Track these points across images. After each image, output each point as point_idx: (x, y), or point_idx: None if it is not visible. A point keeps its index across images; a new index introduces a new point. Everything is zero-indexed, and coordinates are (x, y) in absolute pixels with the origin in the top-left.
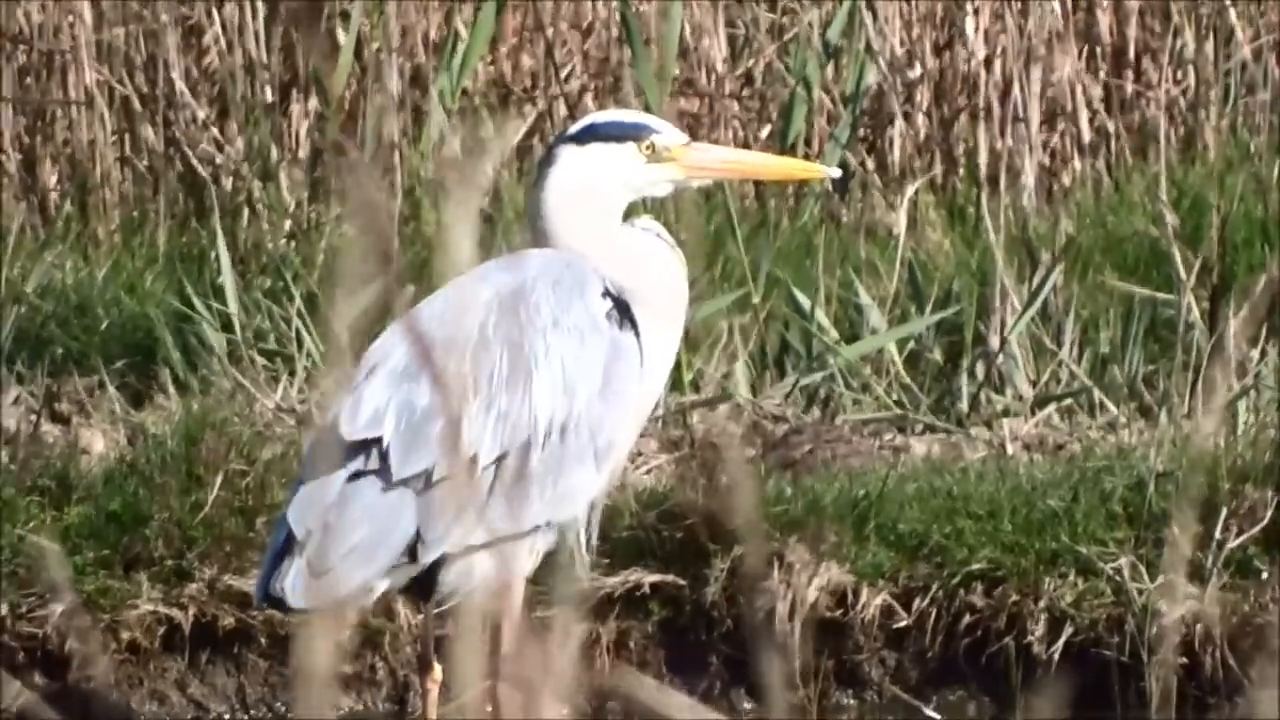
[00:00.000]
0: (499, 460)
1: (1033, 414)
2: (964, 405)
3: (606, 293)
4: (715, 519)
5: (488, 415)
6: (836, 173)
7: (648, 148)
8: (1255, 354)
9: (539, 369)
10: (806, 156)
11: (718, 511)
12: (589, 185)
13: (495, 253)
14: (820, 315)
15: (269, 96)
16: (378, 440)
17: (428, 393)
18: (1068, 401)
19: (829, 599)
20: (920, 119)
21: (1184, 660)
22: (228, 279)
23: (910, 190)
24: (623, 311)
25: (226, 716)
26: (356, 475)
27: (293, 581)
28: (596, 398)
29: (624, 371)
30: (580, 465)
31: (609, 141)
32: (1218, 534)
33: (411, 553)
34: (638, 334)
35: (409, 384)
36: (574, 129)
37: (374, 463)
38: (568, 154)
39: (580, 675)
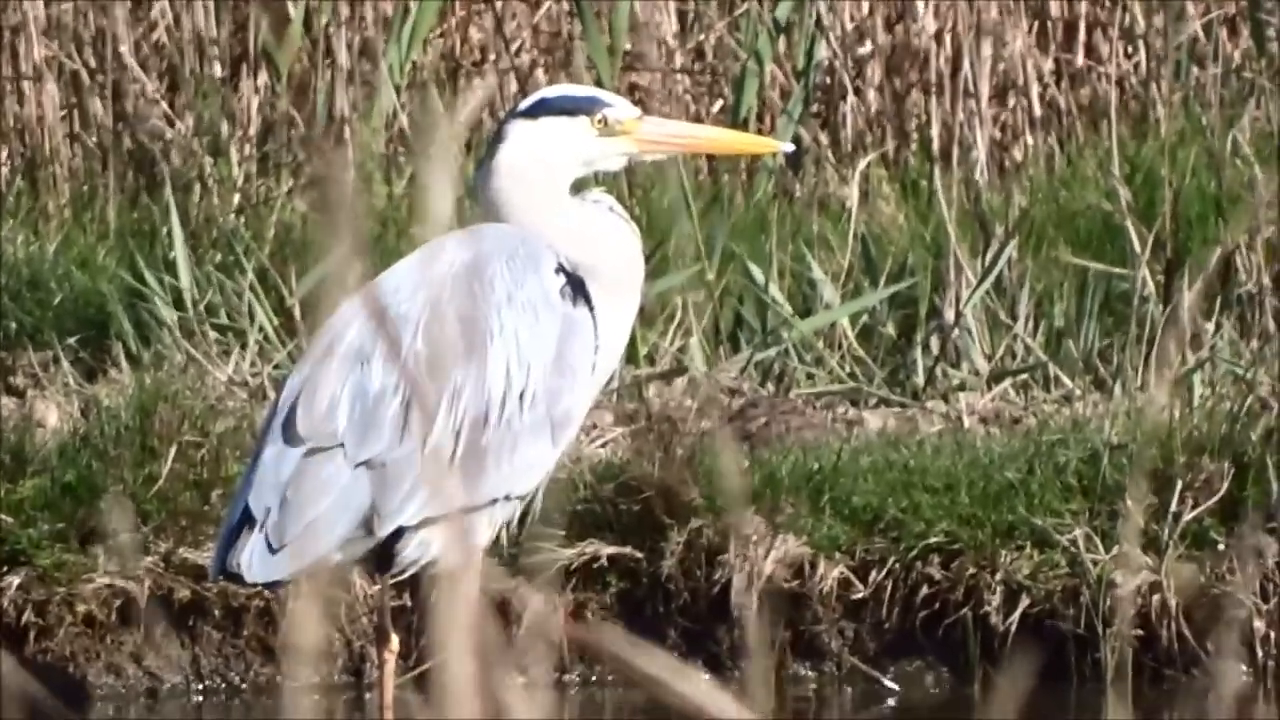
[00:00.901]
0: (456, 434)
1: (988, 388)
2: (919, 379)
3: (560, 268)
4: (671, 492)
5: (443, 390)
6: (789, 147)
7: (599, 121)
8: (1209, 327)
9: (493, 344)
10: (759, 131)
11: (674, 484)
12: (540, 159)
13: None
14: (774, 289)
15: (219, 71)
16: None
17: (381, 375)
18: (1023, 376)
19: (786, 571)
20: (872, 94)
21: (1139, 631)
22: (180, 253)
23: (862, 164)
24: (576, 287)
25: (181, 688)
26: (313, 451)
27: (249, 556)
28: (551, 372)
29: (577, 346)
30: (536, 439)
31: (560, 115)
32: (1173, 506)
33: (368, 526)
34: (591, 309)
35: (363, 366)
36: (525, 104)
37: (330, 440)
38: (519, 129)
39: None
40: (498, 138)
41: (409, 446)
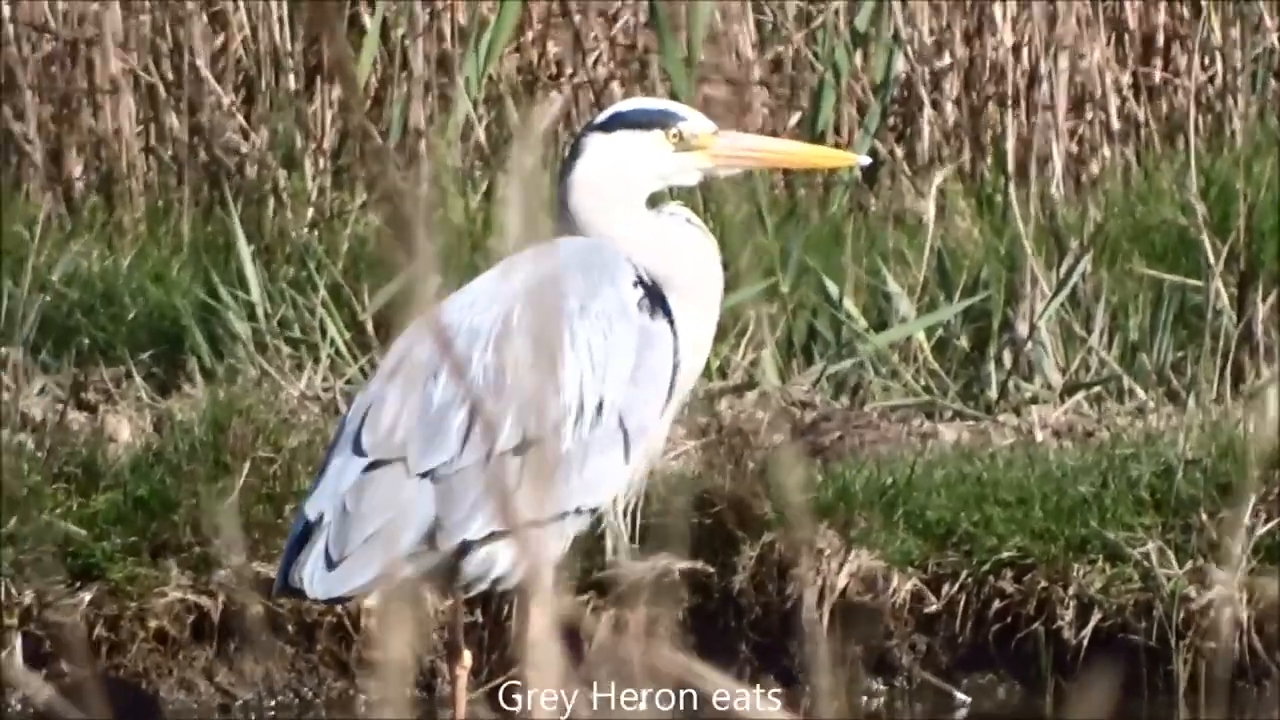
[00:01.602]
0: (523, 447)
1: (1061, 401)
2: (993, 392)
3: (639, 281)
4: (744, 505)
5: (511, 402)
6: (866, 160)
7: (675, 135)
8: None
9: (565, 356)
10: (836, 145)
11: (746, 498)
12: (617, 173)
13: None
14: (849, 303)
15: (293, 84)
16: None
17: (448, 388)
18: (1096, 388)
19: (859, 585)
20: (949, 107)
21: (1212, 646)
22: (249, 268)
23: (938, 178)
24: (655, 299)
25: (254, 704)
26: (375, 464)
27: (310, 570)
28: (626, 384)
29: (655, 358)
30: (609, 451)
31: (635, 129)
32: (1246, 520)
33: (431, 540)
34: (671, 321)
35: (429, 381)
36: (600, 117)
37: (394, 451)
38: (595, 142)
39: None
40: (574, 152)
41: (473, 458)
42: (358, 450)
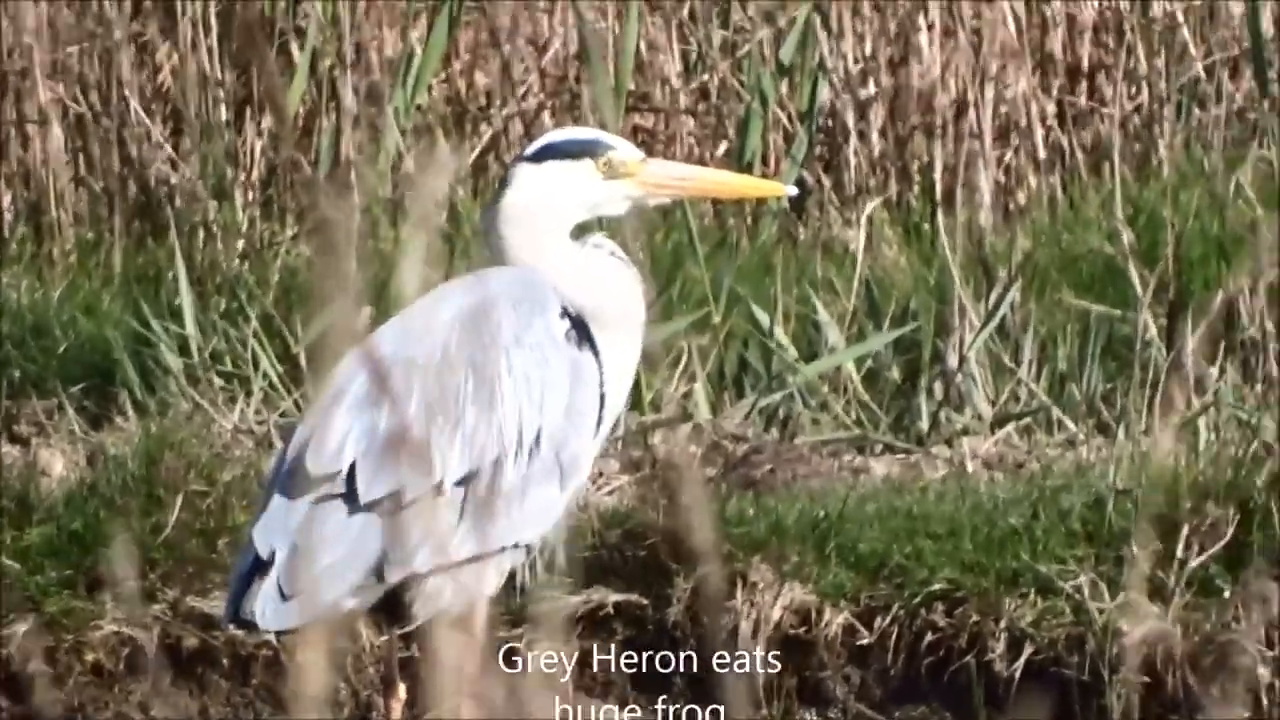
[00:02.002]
0: (467, 480)
1: (992, 432)
2: (923, 424)
3: (565, 312)
4: (677, 538)
5: (454, 434)
6: (794, 190)
7: (604, 164)
8: (1214, 371)
9: (504, 387)
10: (764, 174)
11: (679, 531)
12: (545, 203)
13: (454, 271)
14: (779, 333)
15: (223, 115)
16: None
17: (391, 417)
18: (1026, 420)
19: (792, 618)
20: (875, 136)
21: (1146, 679)
22: (186, 300)
23: (867, 208)
24: (581, 331)
25: None
26: (323, 498)
27: (263, 603)
28: (561, 416)
29: (584, 391)
30: (545, 484)
31: (564, 159)
32: (1178, 552)
33: (379, 573)
34: (596, 353)
35: (373, 410)
36: (530, 148)
37: (340, 486)
38: (523, 172)
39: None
40: (503, 182)
41: (419, 490)
42: (300, 481)
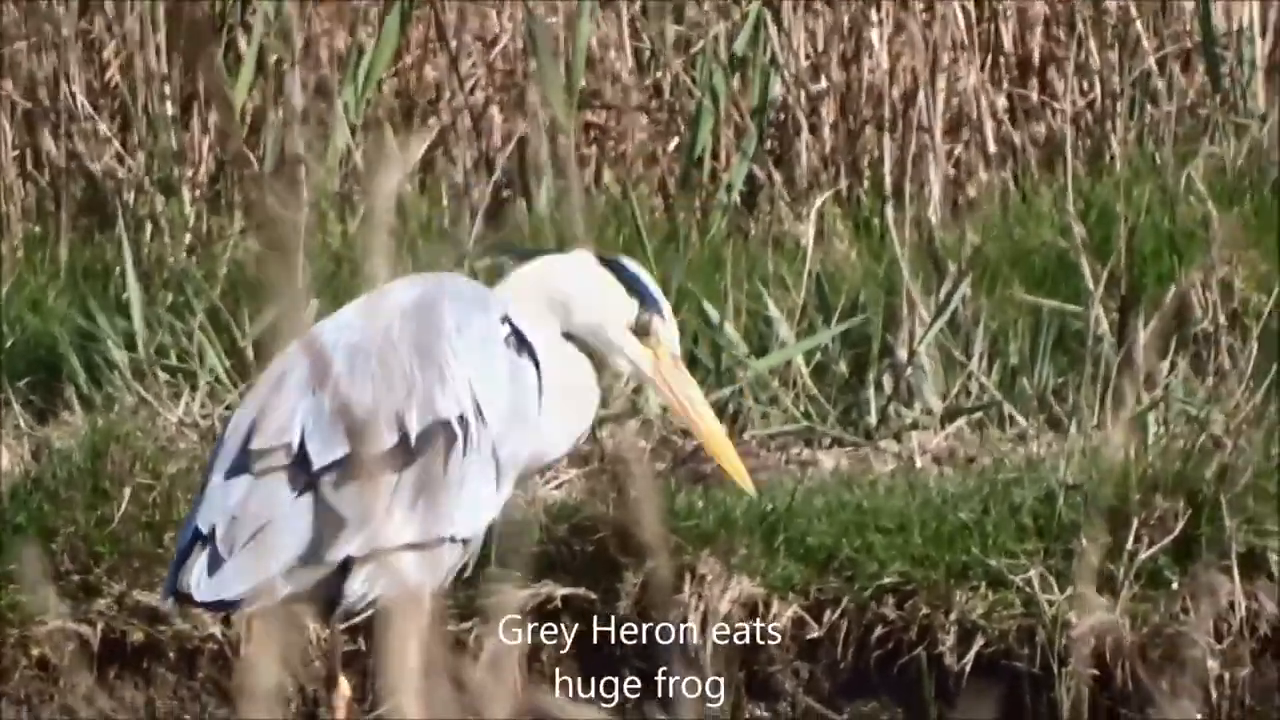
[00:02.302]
0: (411, 457)
1: (942, 426)
2: (872, 418)
3: (506, 319)
4: (626, 532)
5: (407, 401)
6: (751, 490)
7: (643, 321)
8: (1164, 365)
9: (451, 371)
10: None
11: (628, 525)
12: (574, 292)
13: (401, 267)
14: (729, 328)
15: (170, 110)
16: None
17: (335, 397)
18: (977, 414)
19: (741, 611)
20: (826, 131)
21: (1095, 671)
22: (133, 294)
23: (817, 202)
24: (521, 340)
25: None
26: (266, 472)
27: (199, 575)
28: (501, 411)
29: (523, 395)
30: (483, 479)
31: (623, 285)
32: (1128, 545)
33: (317, 552)
34: (537, 365)
35: (318, 391)
36: (605, 255)
37: (285, 459)
38: (583, 259)
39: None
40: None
41: (371, 457)
42: (245, 460)
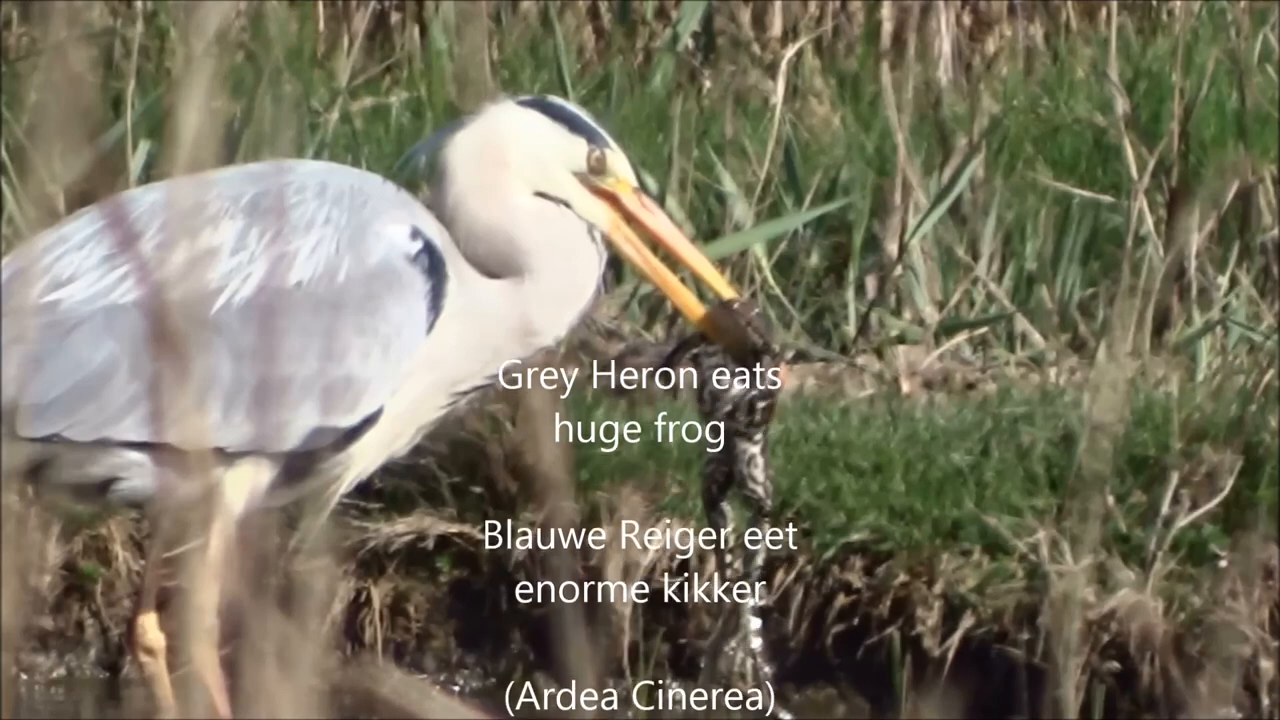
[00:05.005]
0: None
1: (936, 343)
2: (849, 328)
3: (417, 233)
4: (521, 460)
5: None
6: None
7: (595, 158)
8: (1222, 280)
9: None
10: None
11: (525, 451)
12: (518, 151)
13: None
14: (672, 203)
15: None
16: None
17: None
18: (982, 329)
19: (668, 565)
20: None
21: (1115, 665)
22: None
23: (791, 51)
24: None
25: None
26: (46, 308)
27: None
28: (348, 325)
29: (397, 313)
30: (304, 399)
31: (559, 123)
32: (1165, 507)
33: (96, 398)
34: (441, 292)
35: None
36: (517, 97)
37: (62, 280)
38: (506, 111)
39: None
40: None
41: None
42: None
